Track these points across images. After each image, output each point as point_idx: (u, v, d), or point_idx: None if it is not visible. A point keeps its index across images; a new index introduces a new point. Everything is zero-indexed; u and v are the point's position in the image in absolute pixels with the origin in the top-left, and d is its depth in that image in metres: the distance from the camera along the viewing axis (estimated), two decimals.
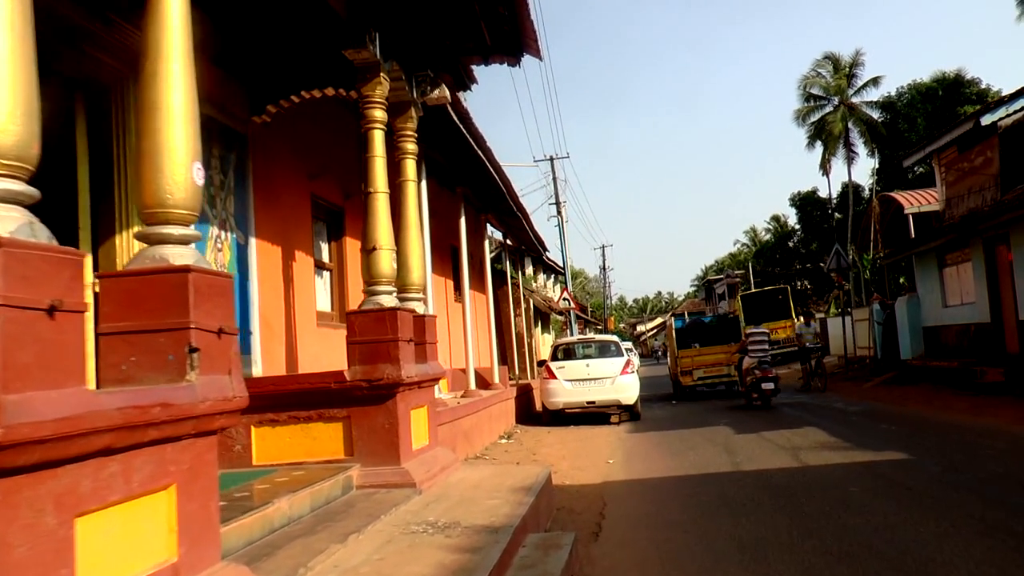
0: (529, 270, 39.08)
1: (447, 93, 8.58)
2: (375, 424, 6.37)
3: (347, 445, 6.42)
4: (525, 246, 19.75)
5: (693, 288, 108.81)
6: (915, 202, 21.31)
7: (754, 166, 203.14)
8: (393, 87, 7.05)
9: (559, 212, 30.67)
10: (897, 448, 9.26)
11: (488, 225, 17.86)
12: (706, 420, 14.78)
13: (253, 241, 7.92)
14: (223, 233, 7.24)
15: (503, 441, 13.27)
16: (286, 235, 8.73)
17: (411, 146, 7.67)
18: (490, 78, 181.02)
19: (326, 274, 9.95)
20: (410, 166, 7.69)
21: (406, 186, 7.69)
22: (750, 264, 50.05)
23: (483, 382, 15.53)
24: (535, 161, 32.40)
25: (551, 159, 31.37)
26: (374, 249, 6.61)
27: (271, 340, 8.23)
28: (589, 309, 58.69)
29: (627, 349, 47.60)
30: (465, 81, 8.55)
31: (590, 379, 15.36)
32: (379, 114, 6.73)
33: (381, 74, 6.66)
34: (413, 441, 6.71)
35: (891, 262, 21.47)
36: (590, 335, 18.01)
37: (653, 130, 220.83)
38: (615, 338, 16.54)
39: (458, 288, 17.36)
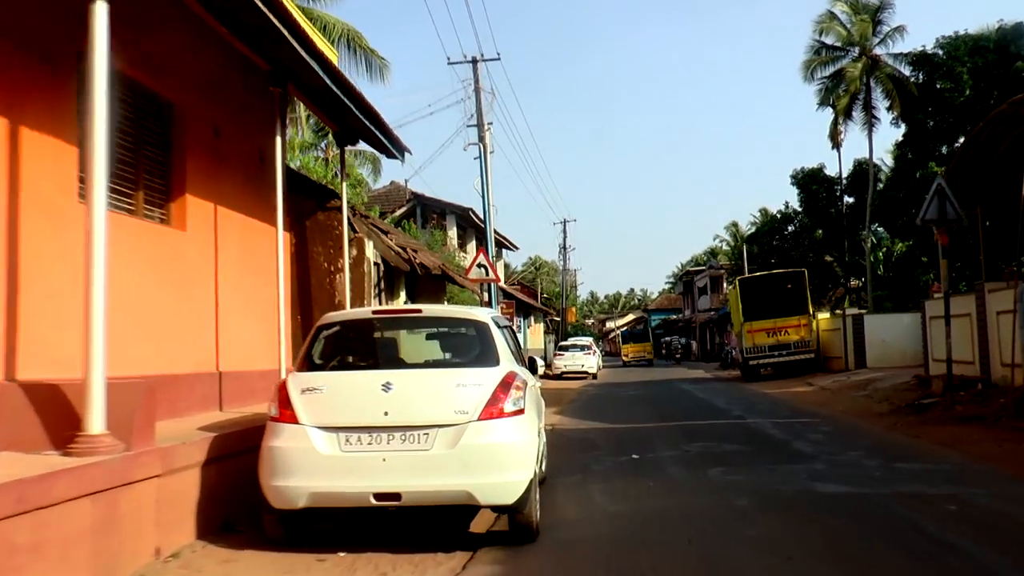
0: (452, 232, 28.81)
1: None
2: None
3: None
4: (338, 126, 9.50)
5: (668, 284, 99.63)
6: None
7: (741, 164, 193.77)
8: None
9: (481, 138, 20.37)
10: None
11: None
12: None
13: None
14: None
15: None
16: None
17: None
18: None
19: None
20: None
21: None
22: (744, 249, 40.19)
23: (64, 421, 5.27)
24: (449, 63, 21.65)
25: (473, 60, 21.04)
26: None
27: None
28: (542, 294, 48.30)
29: (586, 347, 37.34)
30: None
31: (390, 429, 5.23)
32: None
33: None
34: None
35: None
36: (416, 307, 7.01)
37: (625, 122, 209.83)
38: (483, 316, 6.07)
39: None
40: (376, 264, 11.48)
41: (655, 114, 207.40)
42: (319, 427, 5.29)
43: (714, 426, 13.07)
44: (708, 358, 51.77)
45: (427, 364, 5.99)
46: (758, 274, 30.67)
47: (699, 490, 7.38)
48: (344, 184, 10.41)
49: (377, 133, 9.83)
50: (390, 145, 10.52)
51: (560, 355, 33.98)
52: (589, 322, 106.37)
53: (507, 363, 5.68)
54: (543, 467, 7.85)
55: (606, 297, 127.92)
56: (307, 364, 5.77)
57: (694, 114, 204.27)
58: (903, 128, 37.65)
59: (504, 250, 38.33)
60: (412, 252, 11.80)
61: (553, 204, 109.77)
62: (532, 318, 36.34)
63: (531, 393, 5.98)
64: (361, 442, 5.24)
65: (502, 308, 21.93)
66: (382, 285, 11.70)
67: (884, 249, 43.64)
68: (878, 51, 40.26)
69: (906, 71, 38.65)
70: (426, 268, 12.24)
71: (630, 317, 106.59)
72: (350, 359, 5.94)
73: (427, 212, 27.63)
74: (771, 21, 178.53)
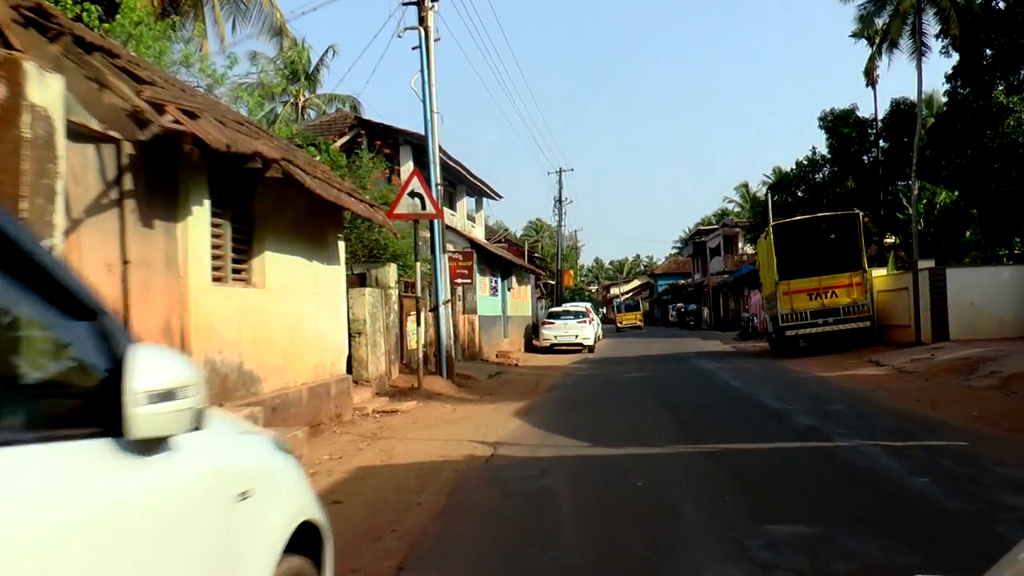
0: (407, 166, 22.75)
1: None
2: None
3: None
4: None
5: (676, 249, 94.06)
6: None
7: (750, 125, 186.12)
8: None
9: (422, 18, 14.23)
10: None
11: None
12: None
13: None
14: None
15: None
16: None
17: None
18: None
19: None
20: None
21: None
22: (768, 200, 34.12)
23: None
24: None
25: None
26: None
27: None
28: (531, 252, 42.12)
29: (581, 314, 31.15)
30: None
31: None
32: None
33: None
34: None
35: None
36: None
37: (629, 82, 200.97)
38: None
39: None
40: (103, 136, 5.39)
41: (664, 74, 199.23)
42: None
43: (783, 456, 7.18)
44: (723, 326, 45.90)
45: None
46: (798, 219, 24.58)
47: None
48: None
49: None
50: None
51: (549, 324, 28.17)
52: (593, 288, 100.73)
53: None
54: None
55: (611, 263, 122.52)
56: None
57: (703, 71, 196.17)
58: (954, 59, 31.74)
59: (486, 199, 32.27)
60: (176, 110, 5.43)
61: (552, 157, 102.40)
62: (515, 279, 30.32)
63: None
64: None
65: (456, 262, 15.91)
66: (124, 184, 5.46)
67: (924, 201, 37.46)
68: None
69: None
70: (204, 144, 5.46)
71: (636, 283, 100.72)
72: None
73: (375, 141, 21.58)
74: None
